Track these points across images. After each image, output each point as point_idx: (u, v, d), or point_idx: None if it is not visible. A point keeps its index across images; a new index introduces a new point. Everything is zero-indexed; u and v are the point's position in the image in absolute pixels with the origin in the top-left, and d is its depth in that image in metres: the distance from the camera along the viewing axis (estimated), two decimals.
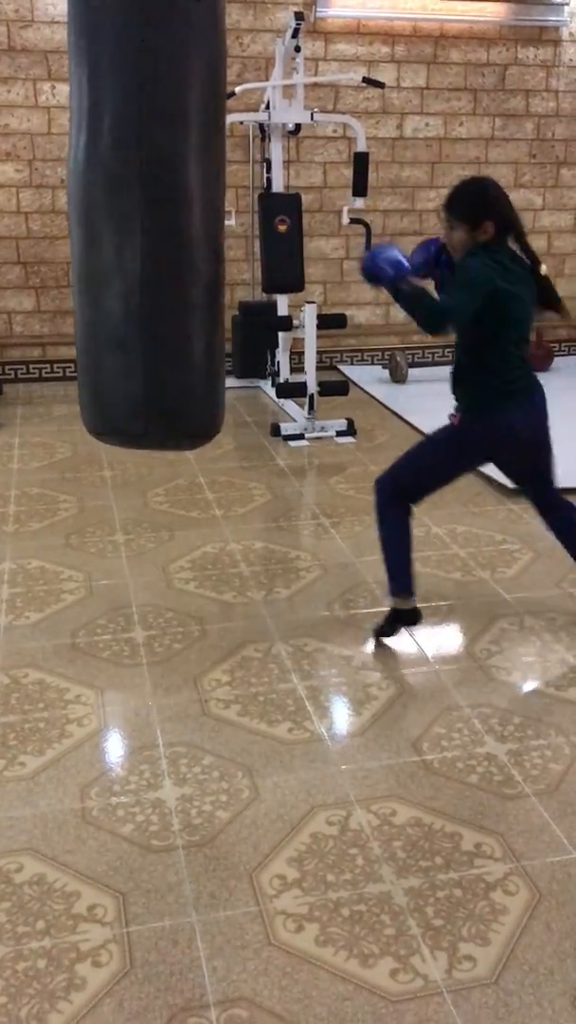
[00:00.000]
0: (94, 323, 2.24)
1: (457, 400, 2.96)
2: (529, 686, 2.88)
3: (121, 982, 1.83)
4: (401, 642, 3.12)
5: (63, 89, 6.23)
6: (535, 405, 2.96)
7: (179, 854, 2.16)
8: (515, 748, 2.55)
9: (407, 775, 2.44)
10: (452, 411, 2.96)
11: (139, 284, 2.17)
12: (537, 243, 7.20)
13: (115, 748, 2.57)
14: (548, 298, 2.91)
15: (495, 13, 6.66)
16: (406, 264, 2.77)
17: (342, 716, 2.72)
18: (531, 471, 3.13)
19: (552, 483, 3.15)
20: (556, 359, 7.17)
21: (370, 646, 3.09)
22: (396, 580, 3.09)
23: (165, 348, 2.23)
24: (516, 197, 7.07)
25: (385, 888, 2.06)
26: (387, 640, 3.12)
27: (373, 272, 2.77)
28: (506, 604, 3.38)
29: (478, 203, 2.82)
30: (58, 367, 6.72)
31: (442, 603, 3.39)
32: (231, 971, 1.85)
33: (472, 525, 4.08)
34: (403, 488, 3.05)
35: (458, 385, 2.96)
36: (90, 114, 2.13)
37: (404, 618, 3.11)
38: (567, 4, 6.71)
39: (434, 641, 3.14)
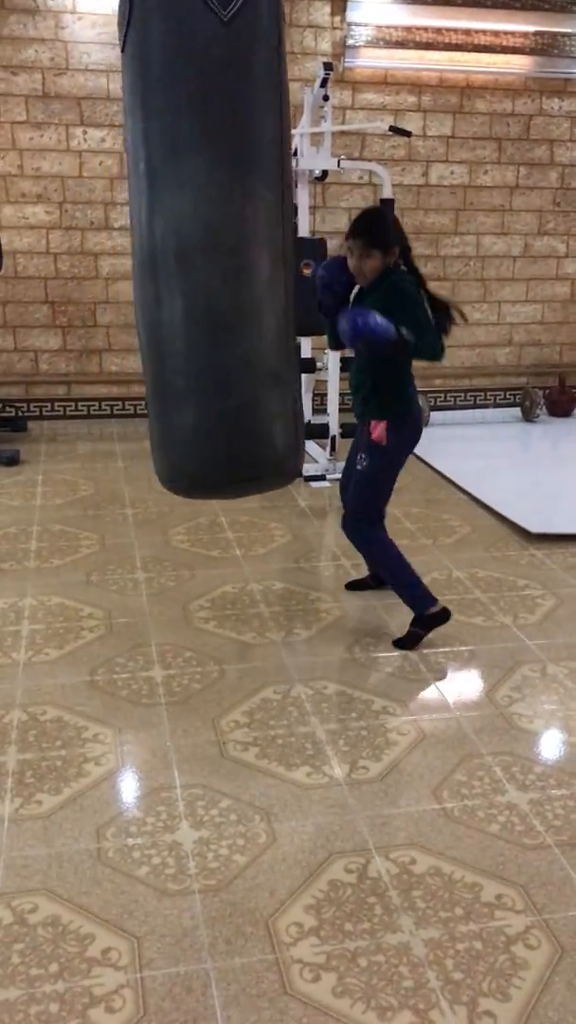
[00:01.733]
0: (244, 361, 2.06)
1: (373, 413, 3.24)
2: (551, 734, 2.84)
3: None
4: (422, 687, 3.10)
5: (94, 134, 6.36)
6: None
7: (195, 898, 2.13)
8: (537, 798, 2.51)
9: (427, 823, 2.40)
10: (367, 428, 3.26)
11: (285, 316, 2.06)
12: (560, 290, 7.29)
13: (132, 788, 2.55)
14: (439, 310, 3.16)
15: (520, 65, 6.77)
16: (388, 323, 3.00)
17: (361, 761, 2.69)
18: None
19: None
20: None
21: (391, 690, 3.07)
22: (425, 593, 3.36)
23: (296, 379, 2.17)
24: (540, 245, 7.19)
25: (404, 939, 2.02)
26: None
27: (360, 336, 3.00)
28: (528, 650, 3.35)
29: (388, 229, 3.13)
30: (82, 405, 6.78)
31: (463, 648, 3.36)
32: (246, 1020, 1.81)
33: (494, 570, 4.06)
34: (376, 517, 3.38)
35: (374, 398, 3.25)
36: (239, 146, 2.03)
37: (441, 619, 3.37)
38: None
39: (455, 687, 3.11)
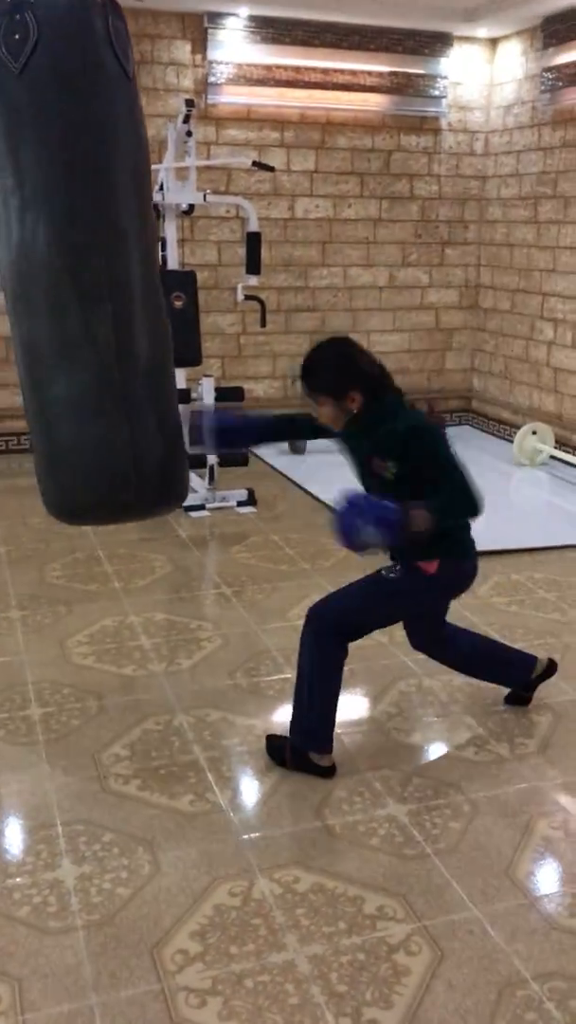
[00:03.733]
0: (66, 396, 2.21)
1: (426, 551, 2.61)
2: (429, 747, 2.92)
3: None
4: None
5: None
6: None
7: (78, 935, 2.10)
8: (415, 808, 2.57)
9: (309, 841, 2.43)
10: (390, 566, 2.72)
11: (114, 354, 2.19)
12: (425, 319, 7.54)
13: (11, 829, 2.50)
14: None
15: (378, 103, 7.01)
16: (389, 507, 2.40)
17: (244, 785, 2.71)
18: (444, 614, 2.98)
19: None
20: (448, 429, 7.40)
21: (273, 714, 3.10)
22: (319, 735, 2.70)
23: (142, 413, 2.25)
24: (404, 275, 7.41)
25: (289, 957, 2.04)
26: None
27: (360, 541, 2.45)
28: (405, 666, 3.43)
29: (332, 371, 2.55)
30: None
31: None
32: None
33: None
34: (344, 626, 2.69)
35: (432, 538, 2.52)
36: (47, 193, 2.13)
37: (318, 772, 2.70)
38: (445, 97, 7.12)
39: None
